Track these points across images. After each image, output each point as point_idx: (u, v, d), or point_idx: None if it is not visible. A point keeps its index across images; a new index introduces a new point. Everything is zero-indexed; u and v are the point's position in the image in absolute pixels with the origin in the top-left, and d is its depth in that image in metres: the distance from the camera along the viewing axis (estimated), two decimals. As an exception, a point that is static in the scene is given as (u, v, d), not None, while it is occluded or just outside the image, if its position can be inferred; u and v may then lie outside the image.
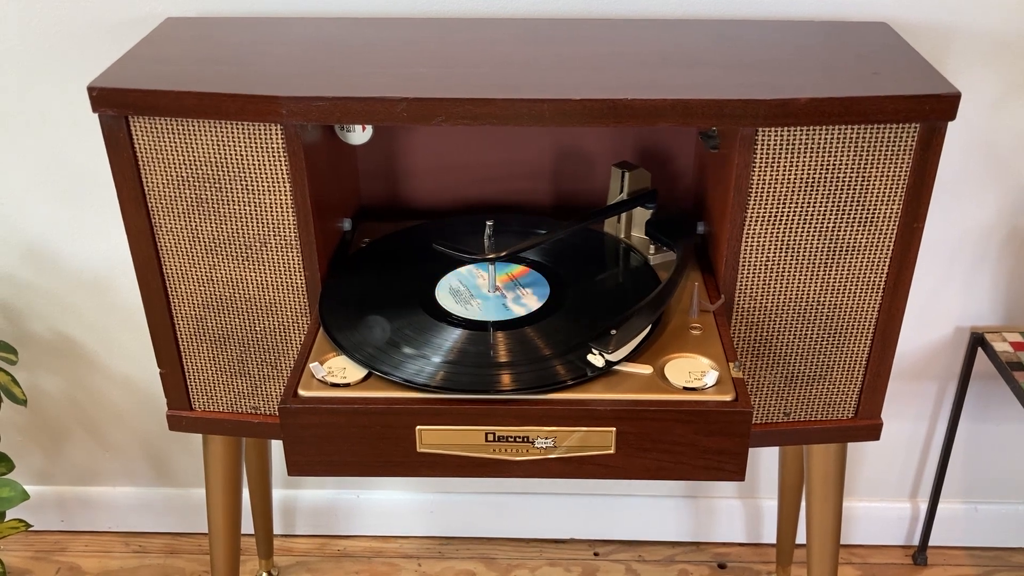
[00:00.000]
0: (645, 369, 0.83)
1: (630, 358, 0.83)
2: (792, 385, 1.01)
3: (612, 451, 0.80)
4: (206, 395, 1.04)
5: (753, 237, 0.91)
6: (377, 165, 1.13)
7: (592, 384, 0.82)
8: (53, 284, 1.30)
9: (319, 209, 0.93)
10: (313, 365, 0.83)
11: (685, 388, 0.81)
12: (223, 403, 1.04)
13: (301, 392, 0.81)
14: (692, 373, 0.83)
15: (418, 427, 0.80)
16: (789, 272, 0.93)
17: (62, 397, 1.41)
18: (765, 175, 0.88)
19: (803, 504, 1.33)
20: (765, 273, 0.93)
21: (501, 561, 1.48)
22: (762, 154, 0.87)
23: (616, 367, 0.83)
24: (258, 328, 0.99)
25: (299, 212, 0.91)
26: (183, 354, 1.02)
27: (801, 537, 1.38)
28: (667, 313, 0.91)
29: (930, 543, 1.47)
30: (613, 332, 0.82)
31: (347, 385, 0.82)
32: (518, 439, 0.80)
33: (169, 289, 0.98)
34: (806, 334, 0.97)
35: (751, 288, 0.94)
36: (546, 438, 0.80)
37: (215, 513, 1.15)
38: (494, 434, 0.80)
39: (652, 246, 1.00)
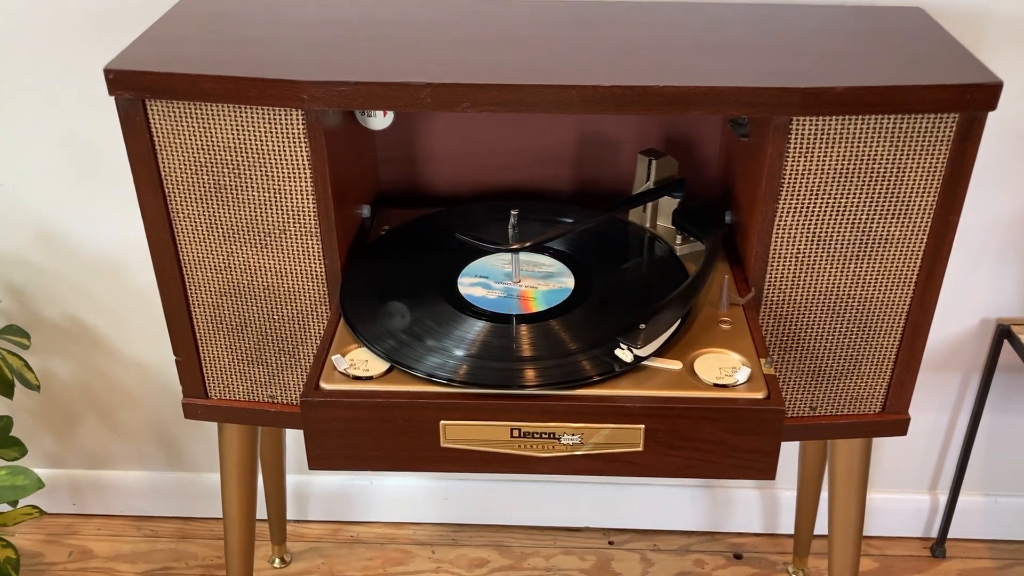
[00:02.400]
0: (674, 365, 0.81)
1: (659, 353, 0.82)
2: (819, 379, 0.99)
3: (640, 448, 0.78)
4: (222, 383, 1.02)
5: (784, 229, 0.89)
6: (396, 149, 1.10)
7: (620, 380, 0.80)
8: (66, 267, 1.28)
9: (339, 196, 0.91)
10: (335, 357, 0.81)
11: (715, 385, 0.79)
12: (239, 391, 1.03)
13: (323, 385, 0.79)
14: (723, 369, 0.81)
15: (442, 422, 0.78)
16: (820, 265, 0.91)
17: (75, 381, 1.39)
18: (798, 166, 0.86)
19: (823, 496, 1.31)
20: (796, 266, 0.91)
21: (515, 549, 1.47)
22: (795, 144, 0.85)
23: (644, 362, 0.81)
24: (276, 316, 0.97)
25: (319, 199, 0.89)
26: (199, 341, 1.00)
27: (819, 528, 1.37)
28: (696, 306, 0.89)
29: (949, 535, 1.45)
30: (642, 327, 0.80)
31: (369, 378, 0.80)
32: (544, 435, 0.78)
33: (186, 275, 0.96)
34: (835, 328, 0.95)
35: (781, 281, 0.92)
36: (573, 435, 0.78)
37: (230, 502, 1.14)
38: (519, 430, 0.78)
39: (679, 236, 0.98)
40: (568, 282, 0.91)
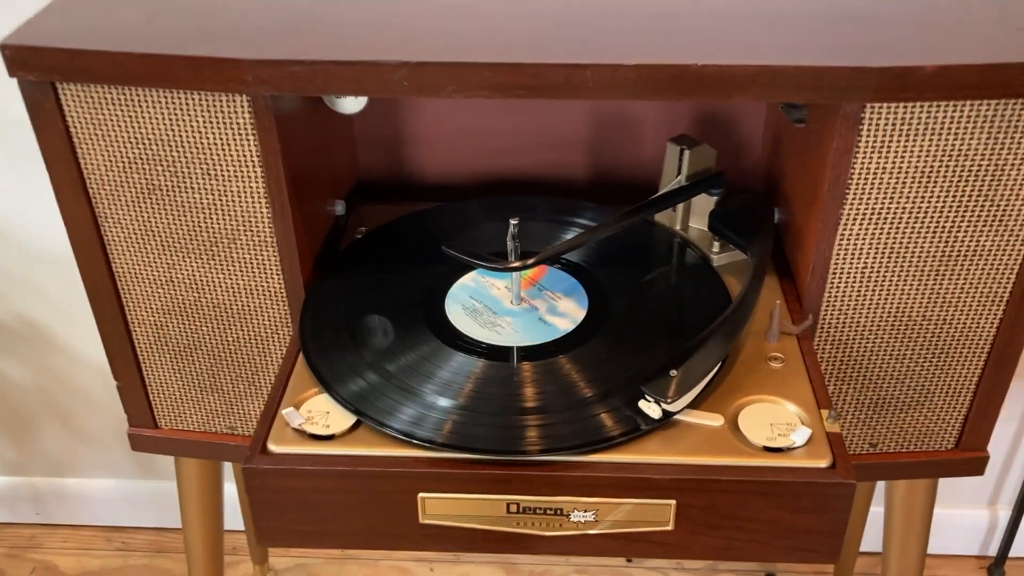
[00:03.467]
0: (714, 420, 0.64)
1: (693, 404, 0.65)
2: (882, 412, 0.82)
3: (670, 528, 0.62)
4: (173, 412, 0.87)
5: (849, 239, 0.72)
6: (378, 132, 0.93)
7: (645, 440, 0.63)
8: (7, 262, 1.12)
9: (301, 195, 0.74)
10: (287, 412, 0.65)
11: (766, 449, 0.63)
12: (193, 421, 0.87)
13: (272, 447, 0.63)
14: (775, 426, 0.64)
15: (421, 495, 0.62)
16: (892, 281, 0.74)
17: (30, 385, 1.24)
18: (871, 163, 0.68)
19: (870, 513, 1.16)
20: (861, 282, 0.74)
21: (523, 567, 1.32)
22: (869, 136, 0.67)
23: (677, 416, 0.64)
24: (230, 338, 0.81)
25: (273, 201, 0.72)
26: (142, 365, 0.84)
27: (865, 544, 1.21)
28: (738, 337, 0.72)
29: (1010, 555, 1.29)
30: (673, 373, 0.63)
31: (330, 437, 0.64)
32: (549, 511, 0.62)
33: (121, 291, 0.80)
34: (905, 354, 0.78)
35: (842, 300, 0.75)
36: (585, 511, 0.62)
37: (193, 539, 0.99)
38: (518, 505, 0.62)
39: (716, 242, 0.80)
40: (579, 306, 0.74)
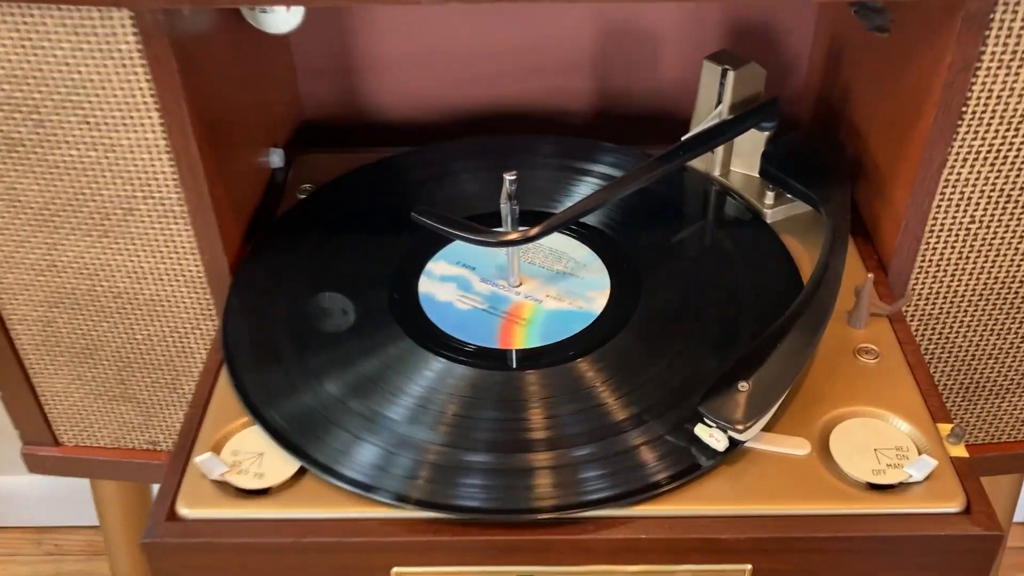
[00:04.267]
0: (798, 448, 0.47)
1: (768, 424, 0.47)
2: (974, 398, 0.65)
3: (744, 601, 0.45)
4: (77, 425, 0.68)
5: (956, 186, 0.54)
6: (325, 57, 0.73)
7: (704, 480, 0.45)
8: None
9: (218, 146, 0.55)
10: (202, 459, 0.46)
11: (871, 486, 0.45)
12: (104, 435, 0.69)
13: (183, 510, 0.45)
14: (880, 453, 0.46)
15: (395, 570, 0.44)
16: (1008, 239, 0.56)
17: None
18: (996, 83, 0.50)
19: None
20: (966, 241, 0.56)
21: None
22: (998, 46, 0.49)
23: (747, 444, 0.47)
24: (139, 336, 0.62)
25: (179, 156, 0.53)
26: (28, 370, 0.65)
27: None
28: None
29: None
30: (743, 387, 0.45)
31: (266, 492, 0.46)
32: (575, 585, 0.44)
33: (-11, 279, 0.60)
34: (1012, 328, 0.61)
35: (939, 264, 0.57)
36: (625, 583, 0.44)
37: (119, 565, 0.81)
38: (532, 578, 0.44)
39: (769, 192, 0.61)
40: (599, 288, 0.56)
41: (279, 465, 0.46)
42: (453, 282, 0.56)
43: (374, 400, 0.49)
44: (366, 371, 0.50)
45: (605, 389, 0.50)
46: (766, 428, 0.47)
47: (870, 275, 0.52)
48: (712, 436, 0.45)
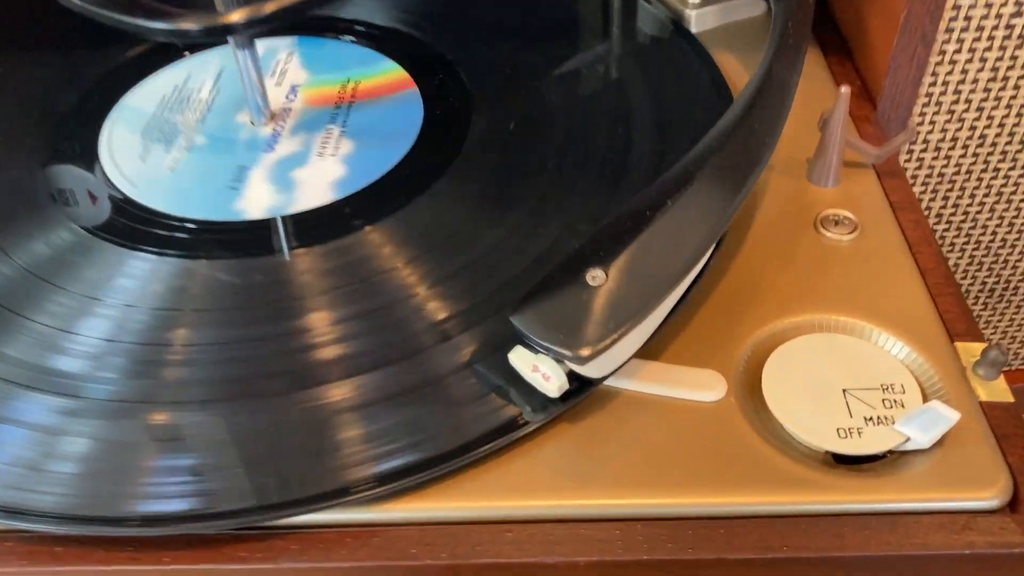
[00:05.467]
0: (703, 391, 0.25)
1: (647, 348, 0.26)
2: (1001, 304, 0.44)
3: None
4: None
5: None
6: None
7: (527, 449, 0.24)
8: None
9: None
10: None
11: (836, 458, 0.24)
12: None
13: None
14: (854, 395, 0.25)
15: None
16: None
17: None
18: None
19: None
20: (1006, 46, 0.34)
21: None
22: None
23: (607, 384, 0.25)
24: None
25: None
26: None
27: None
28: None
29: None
30: (595, 279, 0.24)
31: None
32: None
33: None
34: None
35: (958, 88, 0.36)
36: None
37: None
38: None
39: (694, -15, 0.39)
40: (405, 122, 0.34)
41: None
42: (157, 128, 0.34)
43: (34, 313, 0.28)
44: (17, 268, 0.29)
45: (385, 279, 0.28)
46: (648, 356, 0.26)
47: (844, 87, 0.30)
48: (538, 371, 0.24)
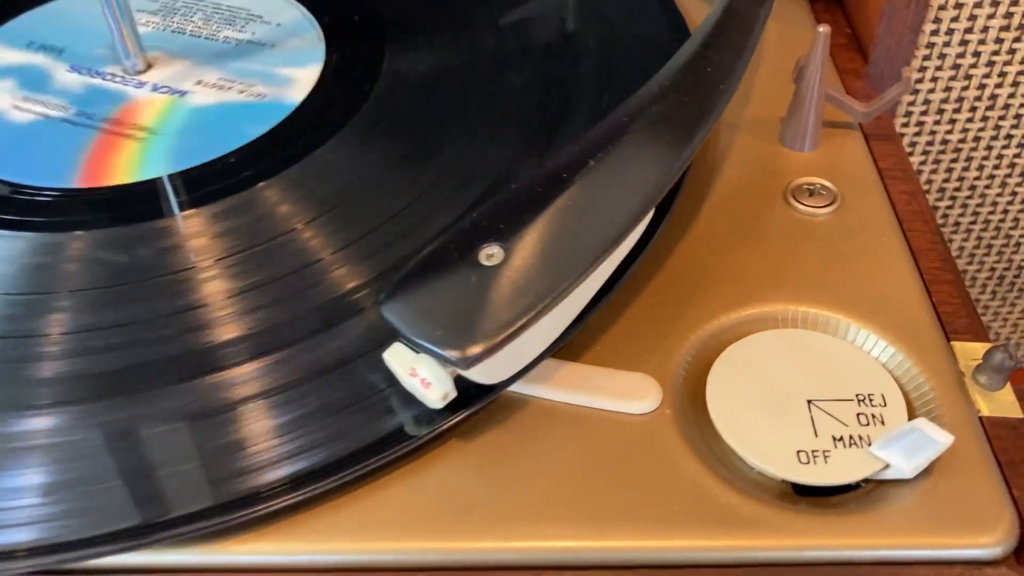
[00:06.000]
0: (631, 401, 0.20)
1: (567, 347, 0.21)
2: (1011, 294, 0.39)
3: None
4: None
5: None
6: None
7: (395, 476, 0.19)
8: None
9: None
10: None
11: (796, 488, 0.19)
12: None
13: None
14: (820, 407, 0.20)
15: None
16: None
17: None
18: None
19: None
20: (988, 3, 0.29)
21: None
22: None
23: (511, 391, 0.20)
24: None
25: None
26: None
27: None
28: (710, 144, 0.27)
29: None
30: (491, 257, 0.19)
31: None
32: None
33: None
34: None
35: (964, 38, 0.30)
36: None
37: None
38: None
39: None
40: (304, 62, 0.29)
41: None
42: (13, 77, 0.29)
43: None
44: None
45: (269, 251, 0.23)
46: (565, 356, 0.21)
47: (823, 26, 0.25)
48: (416, 376, 0.19)
